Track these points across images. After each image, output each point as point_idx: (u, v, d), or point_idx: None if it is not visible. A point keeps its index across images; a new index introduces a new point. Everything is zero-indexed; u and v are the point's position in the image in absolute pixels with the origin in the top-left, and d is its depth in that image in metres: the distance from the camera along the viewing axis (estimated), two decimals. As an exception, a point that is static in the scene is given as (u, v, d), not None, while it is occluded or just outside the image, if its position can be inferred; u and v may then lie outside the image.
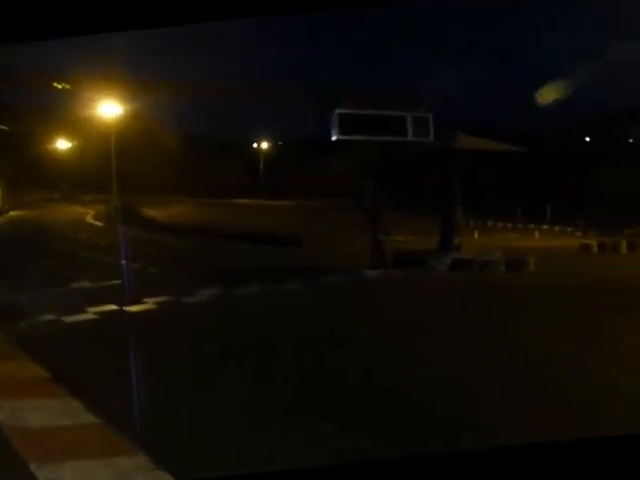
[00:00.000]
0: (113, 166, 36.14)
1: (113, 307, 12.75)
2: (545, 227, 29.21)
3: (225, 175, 40.04)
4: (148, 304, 13.13)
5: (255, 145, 47.74)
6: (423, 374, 8.37)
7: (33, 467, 5.44)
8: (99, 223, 32.48)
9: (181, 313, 12.67)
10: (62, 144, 48.33)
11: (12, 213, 36.86)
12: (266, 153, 47.59)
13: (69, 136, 47.05)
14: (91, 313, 12.30)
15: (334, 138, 17.46)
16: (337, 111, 17.36)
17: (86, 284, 15.20)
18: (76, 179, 44.73)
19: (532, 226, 28.98)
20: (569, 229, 28.37)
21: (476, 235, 25.52)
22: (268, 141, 47.53)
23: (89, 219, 34.86)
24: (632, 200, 26.16)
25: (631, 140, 39.76)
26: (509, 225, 30.11)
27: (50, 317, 11.84)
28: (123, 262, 17.55)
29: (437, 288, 15.50)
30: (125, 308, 12.70)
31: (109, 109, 35.30)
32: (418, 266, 17.53)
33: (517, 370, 8.57)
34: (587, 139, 42.10)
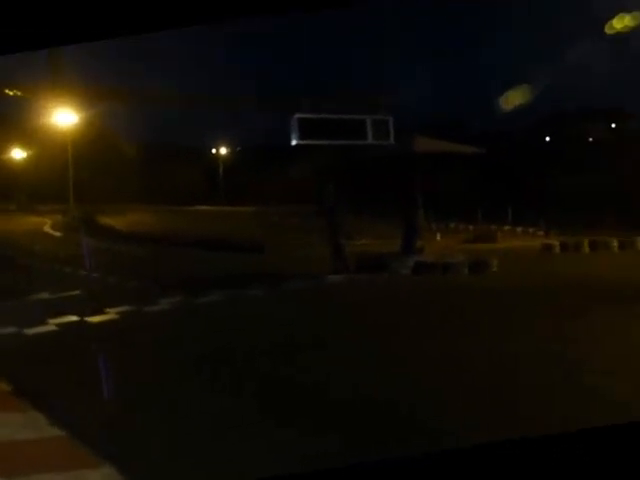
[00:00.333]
0: (70, 175, 35.73)
1: (74, 318, 12.52)
2: (507, 228, 29.40)
3: (184, 182, 39.84)
4: (110, 314, 12.92)
5: (214, 151, 47.46)
6: (386, 378, 8.33)
7: (-1, 483, 5.32)
8: (57, 233, 32.04)
9: (143, 323, 12.49)
10: (17, 153, 47.72)
11: (-35, 225, 36.20)
12: (225, 159, 47.33)
13: (24, 145, 46.48)
14: (52, 325, 12.06)
15: (294, 143, 17.42)
16: (296, 116, 17.32)
17: (45, 295, 14.95)
18: (32, 189, 44.20)
19: (494, 227, 29.09)
20: (531, 229, 28.58)
21: (438, 237, 25.64)
22: (227, 147, 47.28)
23: (47, 229, 34.39)
24: (593, 198, 26.55)
25: (591, 139, 40.33)
26: (471, 227, 30.20)
27: (10, 330, 11.58)
28: (83, 272, 17.30)
29: (400, 292, 15.47)
30: (86, 319, 12.50)
31: (64, 117, 34.92)
32: (381, 270, 17.48)
33: (478, 372, 8.56)
34: (547, 139, 42.53)
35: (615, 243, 22.37)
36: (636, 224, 23.85)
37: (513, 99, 31.22)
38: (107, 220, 32.93)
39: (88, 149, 36.29)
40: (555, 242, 23.10)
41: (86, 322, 12.33)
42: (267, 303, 14.23)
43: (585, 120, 40.40)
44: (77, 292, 14.95)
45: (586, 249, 22.20)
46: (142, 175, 37.37)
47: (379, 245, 21.02)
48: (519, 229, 29.09)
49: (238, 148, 46.26)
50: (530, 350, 9.43)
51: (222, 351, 9.80)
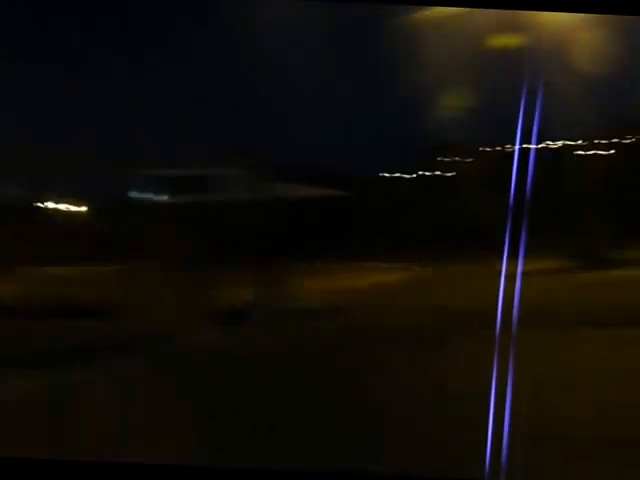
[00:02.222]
0: None
1: None
2: (371, 264, 29.65)
3: (32, 242, 38.31)
4: None
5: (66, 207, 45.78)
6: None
7: None
8: None
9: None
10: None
11: None
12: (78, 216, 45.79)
13: None
14: None
15: (161, 199, 17.28)
16: (161, 172, 17.18)
17: None
18: None
19: (359, 265, 29.30)
20: (397, 264, 28.91)
21: (303, 281, 25.48)
22: (77, 205, 45.63)
23: None
24: (448, 229, 27.47)
25: (438, 172, 41.62)
26: (336, 267, 30.31)
27: None
28: None
29: (260, 345, 15.12)
30: None
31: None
32: (243, 321, 17.22)
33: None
34: (406, 175, 43.40)
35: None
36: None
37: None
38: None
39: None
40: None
41: None
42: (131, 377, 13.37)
43: (431, 153, 41.77)
44: None
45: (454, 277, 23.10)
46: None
47: (244, 296, 20.69)
48: (384, 265, 29.41)
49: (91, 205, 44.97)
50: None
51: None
